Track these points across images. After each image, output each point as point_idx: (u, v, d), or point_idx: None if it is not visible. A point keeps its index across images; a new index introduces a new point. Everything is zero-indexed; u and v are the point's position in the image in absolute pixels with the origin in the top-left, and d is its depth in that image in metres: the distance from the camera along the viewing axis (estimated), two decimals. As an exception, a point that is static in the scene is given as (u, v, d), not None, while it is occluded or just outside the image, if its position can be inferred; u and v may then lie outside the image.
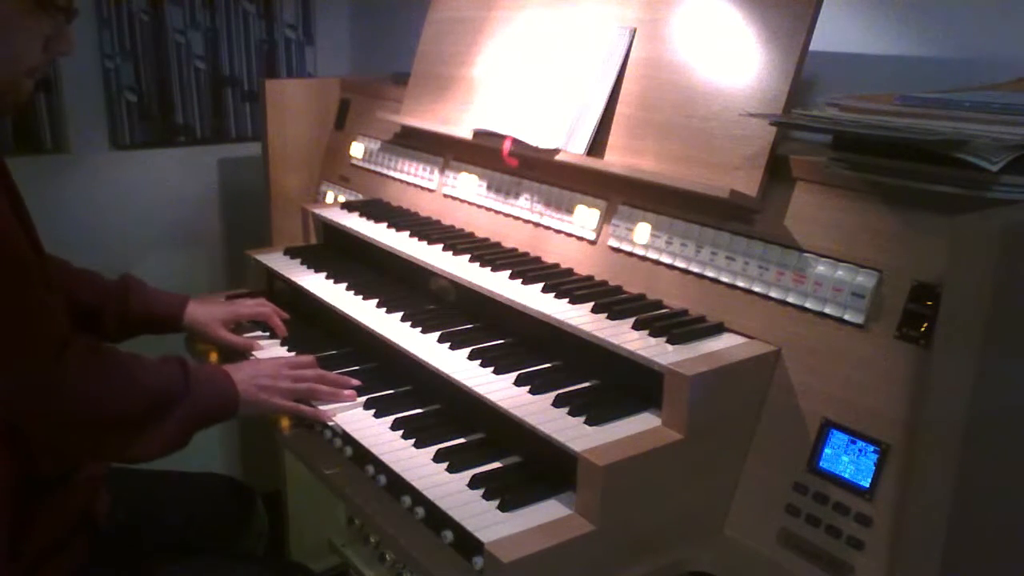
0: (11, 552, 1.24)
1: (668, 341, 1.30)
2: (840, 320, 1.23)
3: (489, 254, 1.67)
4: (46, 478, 1.31)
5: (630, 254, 1.54)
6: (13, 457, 1.26)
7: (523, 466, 1.33)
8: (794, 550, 1.21)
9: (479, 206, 1.88)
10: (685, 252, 1.44)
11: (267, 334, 1.79)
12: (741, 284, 1.35)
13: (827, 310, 1.24)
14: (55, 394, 1.20)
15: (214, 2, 2.62)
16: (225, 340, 1.70)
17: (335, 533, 2.41)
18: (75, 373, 1.22)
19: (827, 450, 1.21)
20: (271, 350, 1.73)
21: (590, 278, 1.58)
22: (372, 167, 2.25)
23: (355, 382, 1.55)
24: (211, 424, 1.40)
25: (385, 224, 1.91)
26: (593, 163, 1.57)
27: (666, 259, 1.47)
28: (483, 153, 1.85)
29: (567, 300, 1.46)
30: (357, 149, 2.31)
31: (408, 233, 1.84)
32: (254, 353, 1.70)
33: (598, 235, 1.61)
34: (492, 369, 1.40)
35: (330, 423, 1.46)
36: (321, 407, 1.49)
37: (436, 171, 2.02)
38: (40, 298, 1.21)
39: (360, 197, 2.25)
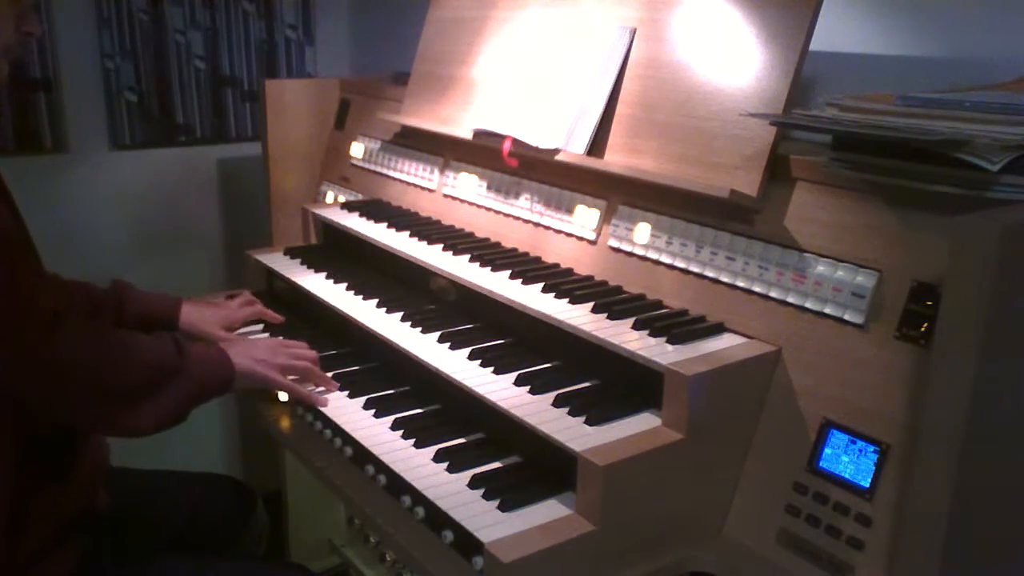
0: (9, 545, 1.24)
1: (668, 341, 1.30)
2: (840, 320, 1.23)
3: (489, 254, 1.67)
4: (44, 471, 1.31)
5: (630, 254, 1.54)
6: (10, 450, 1.26)
7: (523, 466, 1.33)
8: (794, 550, 1.21)
9: (479, 206, 1.87)
10: (685, 252, 1.44)
11: (260, 328, 1.82)
12: (741, 284, 1.35)
13: (827, 310, 1.24)
14: (52, 365, 1.21)
15: (214, 2, 2.62)
16: (223, 340, 1.71)
17: (335, 533, 2.42)
18: (70, 343, 1.23)
19: (827, 450, 1.21)
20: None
21: (590, 278, 1.58)
22: (372, 167, 2.25)
23: (335, 385, 1.57)
24: (209, 397, 1.41)
25: (385, 224, 1.91)
26: (593, 163, 1.57)
27: (666, 259, 1.47)
28: (483, 153, 1.85)
29: (567, 300, 1.46)
30: (357, 149, 2.31)
31: (408, 233, 1.84)
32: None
33: (598, 235, 1.61)
34: (492, 369, 1.40)
35: (320, 407, 1.47)
36: (317, 395, 1.52)
37: (436, 171, 2.02)
38: (29, 273, 1.22)
39: (360, 197, 2.25)
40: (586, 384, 1.38)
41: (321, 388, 1.55)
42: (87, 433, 1.43)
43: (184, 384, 1.35)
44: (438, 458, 1.33)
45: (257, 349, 1.51)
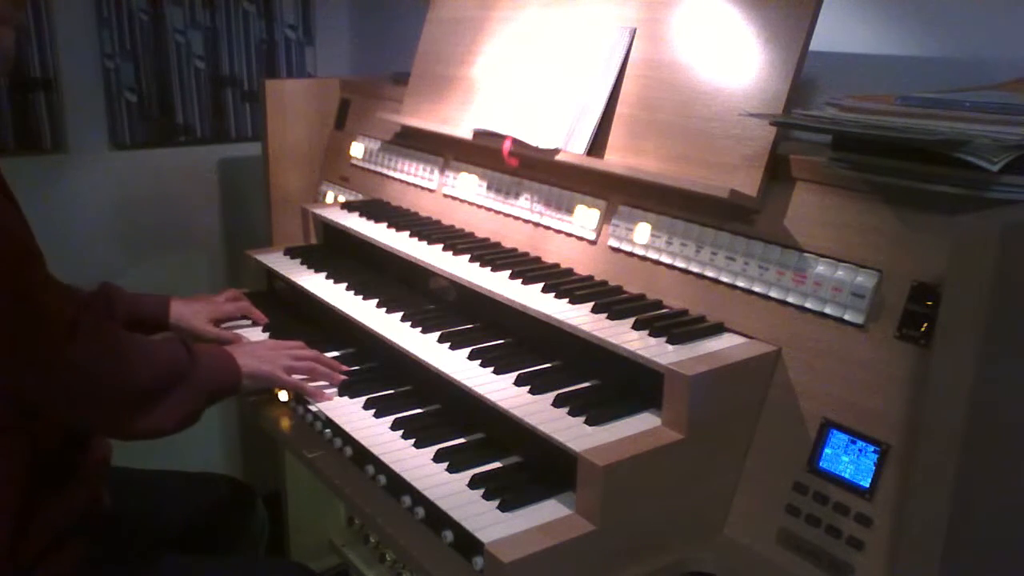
0: (12, 547, 1.25)
1: (668, 341, 1.30)
2: (840, 320, 1.23)
3: (489, 254, 1.67)
4: (49, 472, 1.31)
5: (630, 254, 1.54)
6: (17, 451, 1.26)
7: (523, 466, 1.33)
8: (794, 550, 1.21)
9: (479, 206, 1.87)
10: (685, 252, 1.44)
11: (248, 322, 1.84)
12: (741, 284, 1.35)
13: (827, 310, 1.24)
14: (71, 370, 1.22)
15: (214, 2, 2.62)
16: (212, 334, 1.74)
17: (335, 533, 2.42)
18: (88, 347, 1.24)
19: (827, 450, 1.21)
20: (256, 336, 1.78)
21: (590, 278, 1.58)
22: (372, 167, 2.25)
23: (344, 367, 1.60)
24: (219, 398, 1.43)
25: (385, 224, 1.91)
26: (593, 163, 1.57)
27: (666, 259, 1.47)
28: (483, 153, 1.85)
29: (567, 300, 1.46)
30: (357, 149, 2.31)
31: (408, 233, 1.84)
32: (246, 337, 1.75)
33: (598, 235, 1.61)
34: (492, 369, 1.40)
35: (312, 406, 1.49)
36: (322, 391, 1.54)
37: (436, 171, 2.02)
38: (49, 280, 1.23)
39: (360, 197, 2.25)
40: (586, 384, 1.38)
41: (324, 383, 1.57)
42: (99, 435, 1.43)
43: (196, 385, 1.37)
44: (438, 458, 1.33)
45: (259, 351, 1.54)
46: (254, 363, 1.49)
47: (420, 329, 1.55)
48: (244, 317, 1.84)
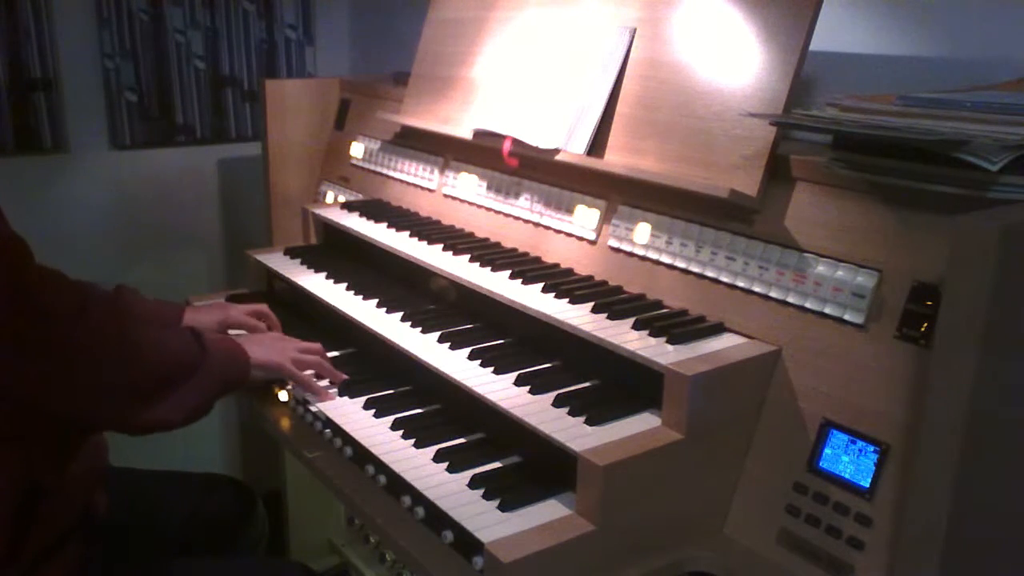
0: (10, 550, 1.24)
1: (668, 341, 1.30)
2: (840, 320, 1.23)
3: (489, 254, 1.67)
4: (45, 477, 1.31)
5: (630, 254, 1.54)
6: (15, 456, 1.26)
7: (523, 466, 1.33)
8: (794, 550, 1.21)
9: (479, 206, 1.88)
10: (685, 252, 1.44)
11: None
12: (741, 284, 1.35)
13: (827, 310, 1.24)
14: (77, 353, 1.20)
15: (214, 2, 2.62)
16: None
17: (335, 533, 2.42)
18: (94, 333, 1.22)
19: (827, 450, 1.21)
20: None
21: (590, 278, 1.58)
22: (372, 167, 2.25)
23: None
24: (230, 390, 1.44)
25: (385, 224, 1.91)
26: (593, 163, 1.57)
27: (666, 259, 1.47)
28: (483, 153, 1.85)
29: (567, 300, 1.46)
30: (357, 149, 2.31)
31: (408, 233, 1.84)
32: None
33: (598, 235, 1.61)
34: (492, 369, 1.40)
35: (312, 406, 1.49)
36: (326, 390, 1.54)
37: (436, 171, 2.02)
38: (43, 269, 1.21)
39: (360, 197, 2.25)
40: (586, 384, 1.38)
41: (327, 381, 1.57)
42: (101, 431, 1.43)
43: (207, 376, 1.36)
44: (438, 458, 1.33)
45: (267, 341, 1.55)
46: (263, 352, 1.49)
47: (420, 329, 1.55)
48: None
